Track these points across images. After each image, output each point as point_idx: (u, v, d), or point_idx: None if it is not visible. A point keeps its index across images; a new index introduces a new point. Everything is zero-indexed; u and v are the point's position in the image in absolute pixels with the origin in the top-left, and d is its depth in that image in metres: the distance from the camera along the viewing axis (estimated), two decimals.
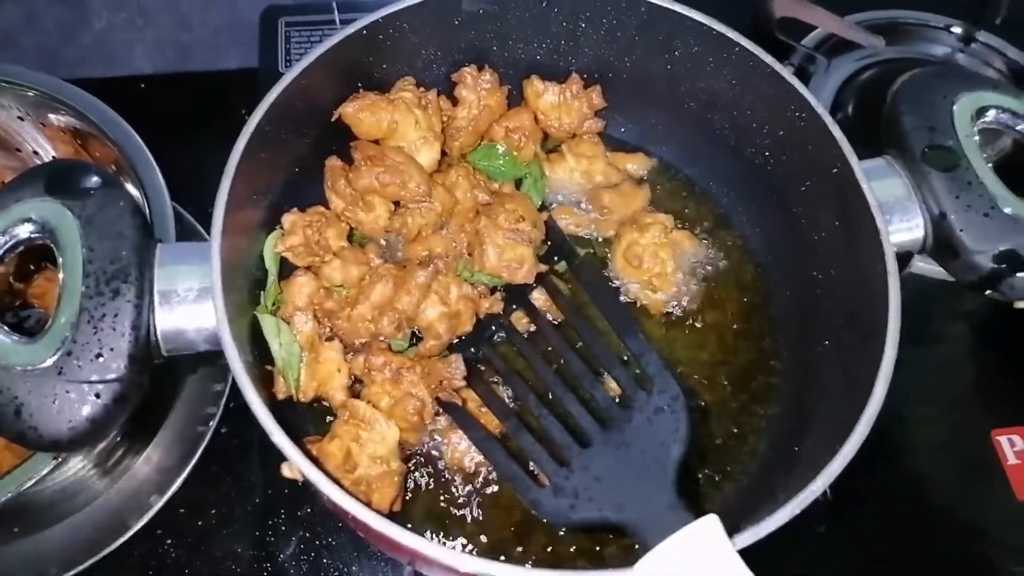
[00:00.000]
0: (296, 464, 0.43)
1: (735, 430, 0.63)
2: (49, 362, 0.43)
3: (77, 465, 0.67)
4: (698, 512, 0.46)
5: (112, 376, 0.44)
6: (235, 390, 0.77)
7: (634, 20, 0.62)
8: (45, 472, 0.58)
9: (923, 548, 0.72)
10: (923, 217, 0.55)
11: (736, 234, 0.71)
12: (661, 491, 0.48)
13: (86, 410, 0.43)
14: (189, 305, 0.48)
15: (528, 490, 0.53)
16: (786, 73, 0.58)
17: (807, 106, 0.57)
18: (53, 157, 0.77)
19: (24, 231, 0.46)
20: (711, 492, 0.61)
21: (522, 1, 0.63)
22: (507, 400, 0.61)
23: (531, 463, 0.56)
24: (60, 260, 0.46)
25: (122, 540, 0.69)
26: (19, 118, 0.73)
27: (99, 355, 0.44)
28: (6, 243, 0.46)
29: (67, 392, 0.43)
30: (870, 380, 0.50)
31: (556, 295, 0.64)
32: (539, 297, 0.64)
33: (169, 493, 0.72)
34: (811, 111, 0.57)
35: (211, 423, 0.75)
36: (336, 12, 0.96)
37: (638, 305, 0.67)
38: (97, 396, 0.43)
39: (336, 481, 0.44)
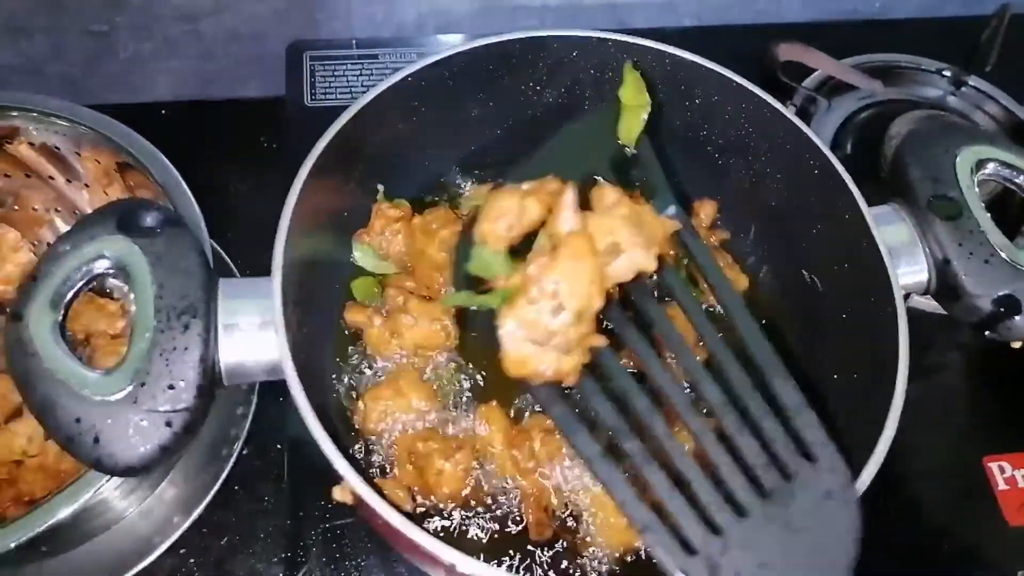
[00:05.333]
0: (356, 490, 0.46)
1: None
2: (125, 392, 0.46)
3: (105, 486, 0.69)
4: None
5: (183, 406, 0.46)
6: (259, 413, 0.79)
7: (658, 70, 0.66)
8: (86, 499, 0.59)
9: (915, 569, 0.74)
10: (927, 262, 0.59)
11: (746, 273, 0.74)
12: None
13: (158, 438, 0.46)
14: (251, 338, 0.51)
15: (674, 555, 0.44)
16: (801, 124, 0.62)
17: (821, 156, 0.61)
18: (85, 186, 0.80)
19: (99, 267, 0.49)
20: None
21: (552, 51, 0.67)
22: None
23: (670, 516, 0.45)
24: (132, 295, 0.49)
25: (149, 560, 0.72)
26: (56, 147, 0.76)
27: (171, 386, 0.46)
28: (82, 278, 0.48)
29: (141, 421, 0.46)
30: (880, 417, 0.53)
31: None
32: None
33: (195, 514, 0.74)
34: (825, 160, 0.61)
35: (236, 445, 0.78)
36: (355, 48, 1.00)
37: None
38: (168, 424, 0.46)
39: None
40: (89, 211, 0.81)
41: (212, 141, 0.98)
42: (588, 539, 0.60)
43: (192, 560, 0.73)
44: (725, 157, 0.71)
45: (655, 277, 0.50)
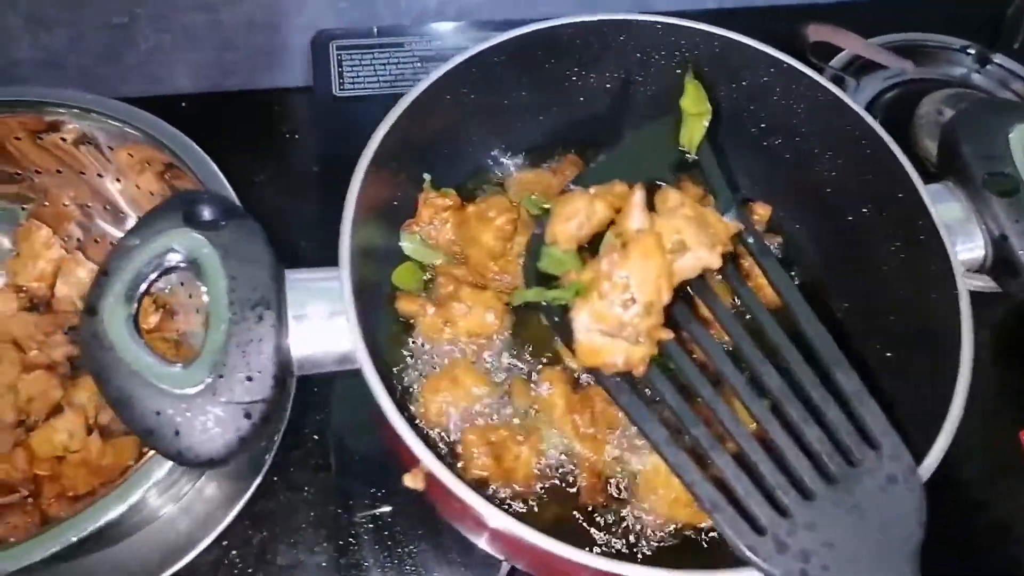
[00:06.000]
0: (437, 474, 0.47)
1: None
2: (203, 385, 0.46)
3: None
4: None
5: (260, 397, 0.46)
6: (297, 405, 0.79)
7: (706, 52, 0.66)
8: (139, 495, 0.59)
9: (952, 545, 0.75)
10: (984, 239, 0.60)
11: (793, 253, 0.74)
12: None
13: (237, 429, 0.46)
14: (321, 328, 0.51)
15: (742, 533, 0.44)
16: (855, 104, 0.62)
17: (874, 135, 0.61)
18: (117, 179, 0.79)
19: (171, 259, 0.49)
20: None
21: (600, 35, 0.67)
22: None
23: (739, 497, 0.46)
24: (204, 288, 0.48)
25: (193, 554, 0.72)
26: (88, 141, 0.75)
27: (249, 377, 0.46)
28: (153, 271, 0.48)
29: (220, 413, 0.45)
30: (944, 397, 0.53)
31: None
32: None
33: (237, 507, 0.74)
34: (879, 140, 0.61)
35: (276, 437, 0.78)
36: (377, 35, 0.99)
37: None
38: (247, 416, 0.46)
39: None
40: (122, 203, 0.81)
41: (232, 132, 0.97)
42: (639, 511, 0.61)
43: (235, 552, 0.74)
44: (769, 137, 0.71)
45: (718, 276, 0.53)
